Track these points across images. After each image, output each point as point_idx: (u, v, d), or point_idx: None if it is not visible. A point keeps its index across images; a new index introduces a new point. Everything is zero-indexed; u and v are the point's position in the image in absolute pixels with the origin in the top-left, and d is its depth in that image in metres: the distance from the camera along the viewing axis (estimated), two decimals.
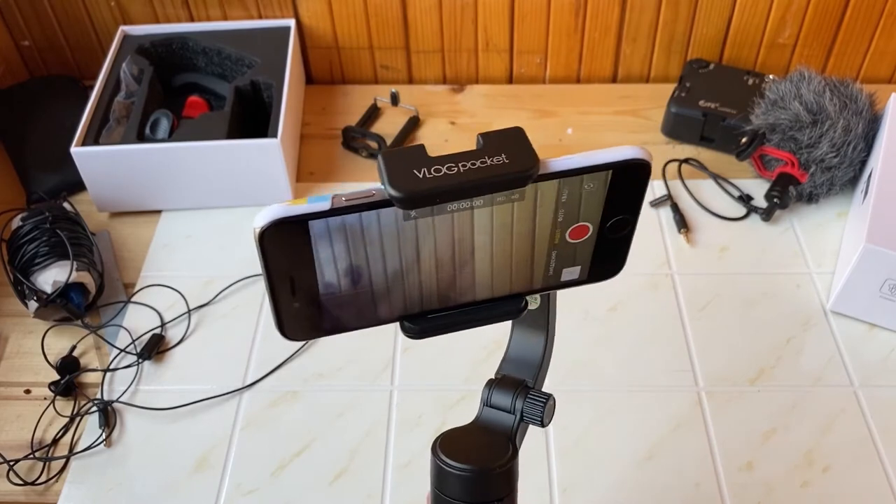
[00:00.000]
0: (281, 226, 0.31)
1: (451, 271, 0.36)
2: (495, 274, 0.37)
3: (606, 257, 0.38)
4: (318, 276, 0.33)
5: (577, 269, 0.38)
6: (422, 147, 0.32)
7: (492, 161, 0.31)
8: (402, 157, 0.31)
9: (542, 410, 0.40)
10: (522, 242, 0.35)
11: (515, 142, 0.32)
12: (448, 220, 0.33)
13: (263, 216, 0.30)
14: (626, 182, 0.34)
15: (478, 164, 0.31)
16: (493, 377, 0.43)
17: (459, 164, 0.31)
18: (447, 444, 0.39)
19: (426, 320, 0.37)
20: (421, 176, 0.31)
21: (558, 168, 0.33)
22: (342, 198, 0.31)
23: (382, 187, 0.31)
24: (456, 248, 0.35)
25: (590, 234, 0.36)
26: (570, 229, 0.36)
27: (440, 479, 0.39)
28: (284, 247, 0.31)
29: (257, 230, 0.30)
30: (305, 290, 0.33)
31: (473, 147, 0.32)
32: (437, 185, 0.30)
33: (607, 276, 0.39)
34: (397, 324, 0.37)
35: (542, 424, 0.40)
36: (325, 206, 0.31)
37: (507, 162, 0.31)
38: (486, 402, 0.41)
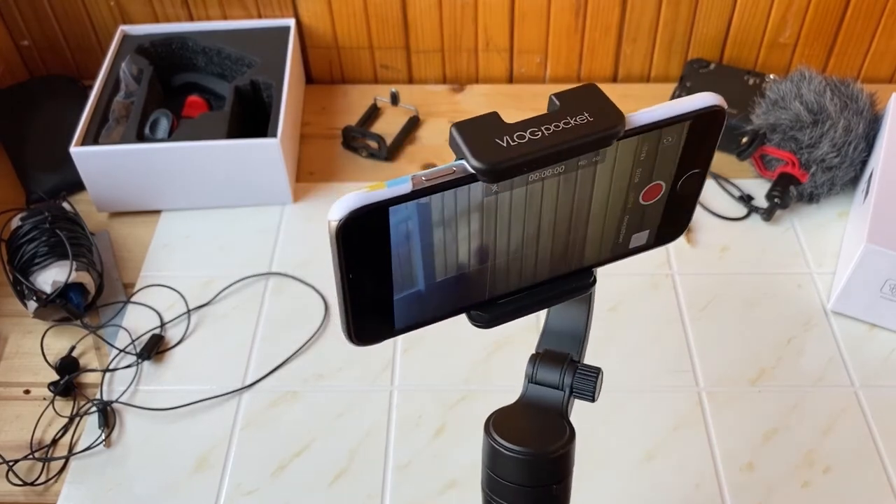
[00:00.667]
0: (361, 216, 0.28)
1: (528, 249, 0.34)
2: (568, 247, 0.35)
3: (673, 217, 0.36)
4: (395, 270, 0.31)
5: (646, 233, 0.36)
6: (496, 114, 0.30)
7: (575, 121, 0.29)
8: (479, 126, 0.29)
9: (594, 385, 0.38)
10: (598, 209, 0.34)
11: (594, 99, 0.30)
12: (529, 192, 0.31)
13: (342, 206, 0.28)
14: (702, 133, 0.33)
15: (561, 125, 0.29)
16: (535, 352, 0.41)
17: (542, 128, 0.29)
18: (501, 424, 0.37)
19: (496, 307, 0.35)
20: (504, 145, 0.28)
21: (642, 122, 0.31)
22: (422, 178, 0.29)
23: (462, 163, 0.29)
24: (534, 221, 0.33)
25: (662, 193, 0.35)
26: (644, 190, 0.34)
27: (494, 460, 0.37)
28: (362, 240, 0.29)
29: (335, 223, 0.28)
30: (380, 287, 0.31)
31: None
32: (523, 153, 0.28)
33: (671, 238, 0.38)
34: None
35: (594, 399, 0.39)
36: (406, 188, 0.29)
37: (591, 120, 0.29)
38: (532, 379, 0.40)
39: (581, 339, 0.41)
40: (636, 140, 0.31)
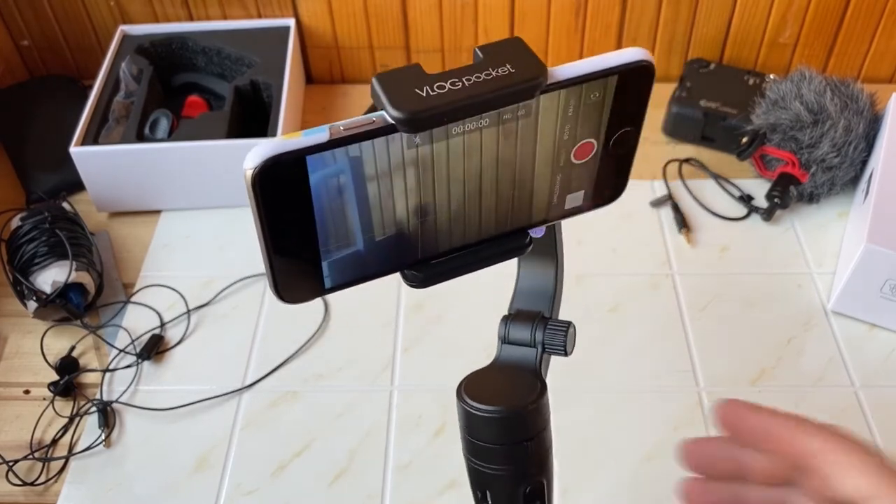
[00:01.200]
0: (277, 165, 0.27)
1: (456, 207, 0.33)
2: (499, 207, 0.34)
3: (609, 178, 0.36)
4: (318, 224, 0.30)
5: (581, 194, 0.36)
6: (419, 66, 0.29)
7: (496, 72, 0.29)
8: (399, 76, 0.28)
9: (565, 339, 0.38)
10: (527, 167, 0.33)
11: (518, 51, 0.30)
12: (452, 145, 0.30)
13: (256, 154, 0.27)
14: (631, 89, 0.32)
15: (482, 76, 0.29)
16: (506, 314, 0.41)
17: (463, 79, 0.28)
18: (472, 387, 0.37)
19: (430, 267, 0.34)
20: (424, 94, 0.28)
21: (567, 76, 0.30)
22: (340, 127, 0.28)
23: (382, 114, 0.28)
24: (462, 178, 0.32)
25: (594, 151, 0.34)
26: (574, 148, 0.33)
27: (470, 424, 0.37)
28: (280, 190, 0.28)
29: (250, 172, 0.27)
30: (304, 242, 0.30)
31: None
32: (443, 102, 0.28)
33: (609, 199, 0.37)
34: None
35: (566, 353, 0.39)
36: (323, 137, 0.28)
37: (513, 72, 0.29)
38: (505, 339, 0.40)
39: (551, 296, 0.40)
40: (561, 94, 0.31)
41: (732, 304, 0.77)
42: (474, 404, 0.37)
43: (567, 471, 0.65)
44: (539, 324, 0.39)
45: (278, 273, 0.30)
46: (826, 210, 0.86)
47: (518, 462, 0.37)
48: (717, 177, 0.90)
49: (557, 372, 0.71)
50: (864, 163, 0.84)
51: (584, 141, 0.33)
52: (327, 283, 0.32)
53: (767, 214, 0.84)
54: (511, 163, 0.33)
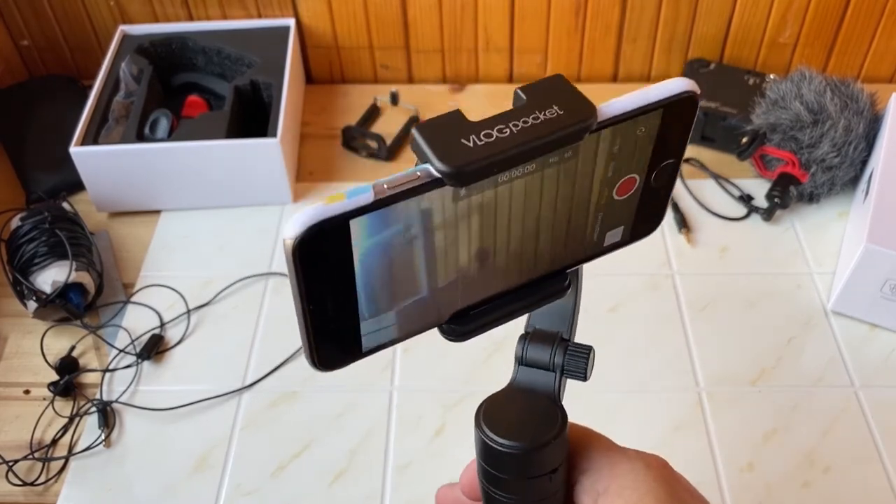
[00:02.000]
0: (320, 231, 0.25)
1: (500, 255, 0.31)
2: (540, 250, 0.33)
3: (647, 212, 0.34)
4: (360, 289, 0.28)
5: (620, 230, 0.34)
6: (459, 112, 0.27)
7: (545, 115, 0.27)
8: (442, 126, 0.27)
9: (587, 364, 0.36)
10: (570, 208, 0.32)
11: (562, 90, 0.28)
12: (498, 194, 0.29)
13: (299, 223, 0.25)
14: (675, 121, 0.31)
15: (530, 121, 0.27)
16: (524, 332, 0.39)
17: (510, 125, 0.27)
18: (491, 416, 0.35)
19: (469, 318, 0.32)
20: (471, 145, 0.26)
21: (614, 113, 0.29)
22: (384, 185, 0.26)
23: (427, 167, 0.26)
24: (506, 226, 0.30)
25: (636, 186, 0.33)
26: (618, 184, 0.32)
27: (488, 455, 0.36)
28: (322, 257, 0.26)
29: (291, 242, 0.25)
30: (344, 308, 0.28)
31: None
32: (492, 153, 0.26)
33: (646, 233, 0.36)
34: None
35: (585, 378, 0.37)
36: (367, 198, 0.26)
37: (561, 114, 0.27)
38: (522, 361, 0.38)
39: (570, 316, 0.38)
40: (609, 132, 0.29)
41: (732, 304, 0.77)
42: (494, 437, 0.35)
43: None
44: (559, 346, 0.37)
45: (316, 342, 0.29)
46: (826, 210, 0.86)
47: (539, 493, 0.36)
48: (717, 177, 0.90)
49: None
50: (864, 163, 0.84)
51: (628, 177, 0.32)
52: (365, 347, 0.30)
53: (767, 214, 0.84)
54: (555, 205, 0.31)
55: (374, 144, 0.92)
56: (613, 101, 0.29)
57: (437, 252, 0.29)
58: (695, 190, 0.88)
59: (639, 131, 0.30)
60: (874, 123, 0.84)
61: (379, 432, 0.68)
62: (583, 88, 0.29)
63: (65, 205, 0.81)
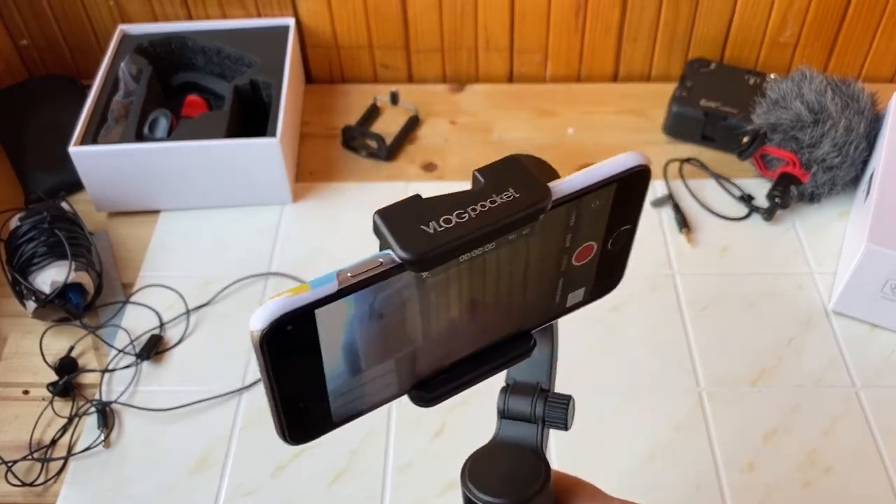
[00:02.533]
0: (287, 322, 0.26)
1: (463, 325, 0.33)
2: (504, 316, 0.34)
3: (607, 272, 0.36)
4: (326, 369, 0.29)
5: (581, 291, 0.36)
6: (418, 196, 0.28)
7: (501, 199, 0.28)
8: (402, 212, 0.28)
9: (566, 414, 0.38)
10: (532, 278, 0.33)
11: (518, 173, 0.29)
12: (461, 272, 0.30)
13: (263, 316, 0.26)
14: (628, 192, 0.32)
15: (487, 205, 0.28)
16: (504, 385, 0.40)
17: (469, 210, 0.28)
18: (476, 473, 0.37)
19: (436, 384, 0.34)
20: (431, 231, 0.27)
21: (567, 191, 0.30)
22: (347, 274, 0.27)
23: (389, 253, 0.27)
24: (470, 300, 0.32)
25: (594, 252, 0.34)
26: (576, 252, 0.34)
27: None
28: (289, 345, 0.27)
29: (258, 333, 0.26)
30: (312, 388, 0.30)
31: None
32: (452, 238, 0.27)
33: (607, 290, 0.37)
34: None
35: (566, 428, 0.38)
36: (331, 288, 0.27)
37: (518, 197, 0.28)
38: (504, 414, 0.39)
39: (548, 366, 0.39)
40: (564, 208, 0.31)
41: (733, 304, 0.77)
42: (480, 495, 0.36)
43: (567, 471, 0.65)
44: (539, 397, 0.38)
45: (287, 421, 0.30)
46: (827, 210, 0.86)
47: None
48: (717, 177, 0.89)
49: (559, 371, 0.71)
50: (865, 162, 0.84)
51: (585, 244, 0.34)
52: (335, 419, 0.32)
53: (768, 214, 0.84)
54: (517, 276, 0.32)
55: (373, 144, 0.92)
56: (566, 179, 0.30)
57: (401, 328, 0.30)
58: (695, 190, 0.88)
59: (593, 204, 0.31)
60: (875, 123, 0.84)
61: (379, 432, 0.68)
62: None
63: (64, 205, 0.81)
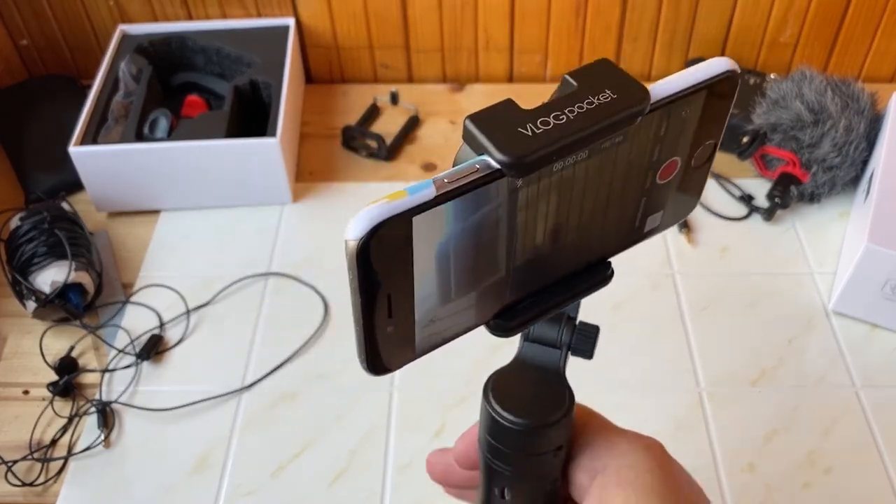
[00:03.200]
0: (384, 230, 0.25)
1: (549, 248, 0.31)
2: (586, 239, 0.33)
3: (686, 194, 0.35)
4: (417, 287, 0.27)
5: (659, 214, 0.34)
6: (511, 101, 0.27)
7: (598, 100, 0.27)
8: (496, 116, 0.26)
9: (594, 343, 0.37)
10: (618, 194, 0.31)
11: (611, 74, 0.28)
12: (551, 185, 0.28)
13: (360, 223, 0.24)
14: (716, 101, 0.31)
15: (585, 106, 0.27)
16: None
17: (566, 111, 0.27)
18: (500, 389, 0.35)
19: (516, 312, 0.32)
20: (529, 133, 0.26)
21: (664, 94, 0.29)
22: (444, 180, 0.26)
23: (485, 158, 0.26)
24: (556, 221, 0.30)
25: (678, 169, 0.33)
26: (662, 168, 0.32)
27: (494, 428, 0.35)
28: (384, 257, 0.26)
29: (354, 243, 0.24)
30: (401, 310, 0.28)
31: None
32: (553, 140, 0.26)
33: (680, 217, 0.36)
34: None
35: (590, 357, 0.37)
36: (429, 194, 0.25)
37: (615, 97, 0.27)
38: (527, 336, 0.37)
39: None
40: (657, 115, 0.29)
41: (733, 304, 0.77)
42: (503, 413, 0.34)
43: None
44: (567, 325, 0.37)
45: (371, 345, 0.28)
46: (827, 210, 0.86)
47: (540, 468, 0.36)
48: (717, 176, 0.89)
49: None
50: (865, 162, 0.84)
51: (671, 160, 0.32)
52: (418, 348, 0.30)
53: (768, 214, 0.84)
54: (605, 192, 0.31)
55: (373, 144, 0.92)
56: (660, 82, 0.29)
57: (491, 250, 0.29)
58: None
59: (683, 113, 0.30)
60: (875, 123, 0.84)
61: (379, 432, 0.68)
62: None
63: (64, 205, 0.81)
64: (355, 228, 0.25)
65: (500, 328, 0.32)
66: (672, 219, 0.35)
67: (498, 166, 0.26)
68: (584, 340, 0.37)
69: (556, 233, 0.31)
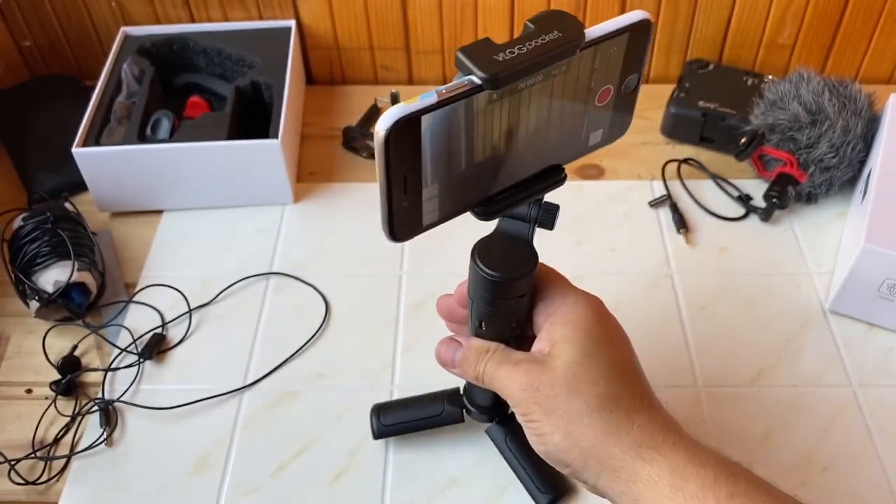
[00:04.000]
0: (402, 124, 0.35)
1: (518, 150, 0.42)
2: (545, 147, 0.43)
3: (619, 117, 0.45)
4: (423, 171, 0.38)
5: (600, 132, 0.45)
6: (488, 39, 0.37)
7: (549, 36, 0.37)
8: (478, 47, 0.37)
9: (555, 217, 0.47)
10: (566, 113, 0.42)
11: (559, 20, 0.38)
12: (519, 99, 0.39)
13: (387, 119, 0.35)
14: (637, 42, 0.41)
15: (539, 41, 0.37)
16: None
17: (526, 44, 0.37)
18: (484, 252, 0.47)
19: (492, 202, 0.43)
20: (501, 59, 0.36)
21: (596, 35, 0.39)
22: (443, 91, 0.36)
23: (472, 77, 0.36)
24: (525, 125, 0.41)
25: (611, 95, 0.43)
26: (598, 93, 0.43)
27: (479, 282, 0.47)
28: (402, 146, 0.36)
29: (383, 133, 0.35)
30: (413, 187, 0.38)
31: None
32: (518, 62, 0.36)
33: (618, 135, 0.47)
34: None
35: (552, 228, 0.48)
36: (433, 99, 0.36)
37: (560, 35, 0.37)
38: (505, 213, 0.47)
39: None
40: (592, 51, 0.40)
41: (731, 303, 0.78)
42: (483, 269, 0.46)
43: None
44: (534, 204, 0.47)
45: (391, 215, 0.38)
46: (824, 210, 0.86)
47: (511, 307, 0.49)
48: (715, 177, 0.90)
49: None
50: (863, 163, 0.84)
51: (605, 87, 0.43)
52: (424, 222, 0.40)
53: (766, 214, 0.84)
54: (557, 109, 0.41)
55: (374, 145, 0.92)
56: (595, 27, 0.40)
57: (474, 140, 0.39)
58: (693, 190, 0.88)
59: (612, 50, 0.41)
60: (872, 124, 0.84)
61: None
62: None
63: (67, 205, 0.82)
64: (382, 123, 0.35)
65: (483, 213, 0.43)
66: (611, 136, 0.46)
67: (480, 82, 0.36)
68: (547, 214, 0.47)
69: (523, 139, 0.41)
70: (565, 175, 0.45)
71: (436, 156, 0.38)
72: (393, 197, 0.38)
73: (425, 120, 0.36)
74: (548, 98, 0.40)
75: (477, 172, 0.41)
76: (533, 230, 0.48)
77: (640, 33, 0.41)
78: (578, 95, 0.42)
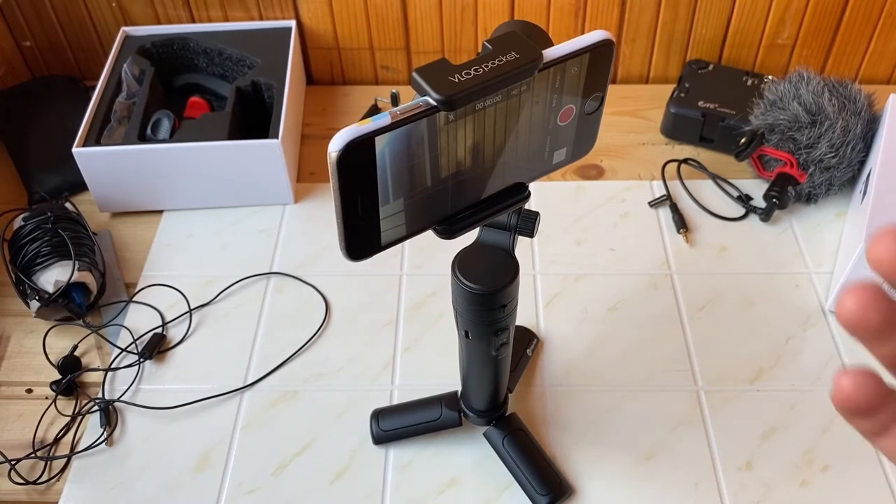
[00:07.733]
0: (354, 146, 0.35)
1: (479, 169, 0.41)
2: (509, 165, 0.43)
3: (584, 135, 0.45)
4: (380, 191, 0.37)
5: (564, 150, 0.45)
6: (445, 59, 0.37)
7: (506, 58, 0.37)
8: (434, 69, 0.36)
9: (534, 225, 0.48)
10: (528, 131, 0.42)
11: (516, 42, 0.38)
12: (476, 119, 0.39)
13: (339, 140, 0.34)
14: (599, 62, 0.41)
15: (496, 62, 0.37)
16: None
17: (482, 66, 0.37)
18: (464, 265, 0.47)
19: (455, 221, 0.42)
20: (456, 80, 0.36)
21: (555, 56, 0.39)
22: (397, 112, 0.36)
23: (427, 98, 0.36)
24: (484, 144, 0.40)
25: (574, 115, 0.43)
26: (560, 112, 0.42)
27: (460, 293, 0.47)
28: (355, 167, 0.36)
29: (335, 154, 0.34)
30: (369, 207, 0.38)
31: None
32: (473, 84, 0.36)
33: (583, 153, 0.46)
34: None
35: (532, 236, 0.48)
36: (386, 121, 0.35)
37: (518, 56, 0.37)
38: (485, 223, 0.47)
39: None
40: (552, 71, 0.39)
41: (731, 303, 0.78)
42: (467, 283, 0.47)
43: (566, 471, 0.65)
44: (514, 213, 0.47)
45: (348, 235, 0.38)
46: (824, 210, 0.86)
47: (492, 319, 0.49)
48: (715, 177, 0.90)
49: (558, 371, 0.71)
50: (862, 163, 0.84)
51: (567, 106, 0.42)
52: (383, 241, 0.40)
53: (766, 214, 0.84)
54: (517, 128, 0.41)
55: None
56: (553, 48, 0.39)
57: (434, 163, 0.39)
58: (693, 190, 0.88)
59: (572, 70, 0.40)
60: (872, 124, 0.84)
61: None
62: None
63: (67, 205, 0.82)
64: (335, 145, 0.34)
65: (445, 231, 0.42)
66: (574, 155, 0.46)
67: (435, 104, 0.36)
68: (526, 222, 0.48)
69: (483, 158, 0.41)
70: (529, 193, 0.44)
71: (397, 172, 0.37)
72: (348, 217, 0.37)
73: (380, 140, 0.35)
74: (510, 117, 0.40)
75: (442, 188, 0.40)
76: (514, 239, 0.48)
77: (601, 53, 0.41)
78: (540, 115, 0.41)
